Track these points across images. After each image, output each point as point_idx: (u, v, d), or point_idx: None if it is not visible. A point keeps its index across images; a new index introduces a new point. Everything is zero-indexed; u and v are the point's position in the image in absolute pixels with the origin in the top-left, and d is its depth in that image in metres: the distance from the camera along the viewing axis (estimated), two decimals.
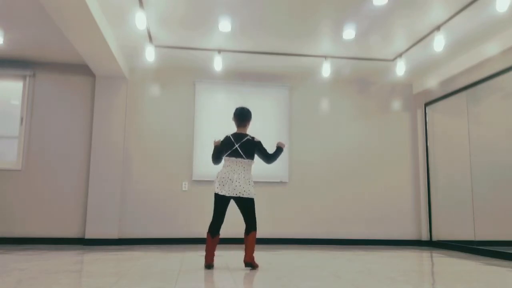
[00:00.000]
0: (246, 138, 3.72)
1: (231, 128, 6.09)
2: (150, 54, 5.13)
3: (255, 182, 6.04)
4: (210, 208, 5.91)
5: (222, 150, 3.75)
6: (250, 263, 3.66)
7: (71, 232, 5.70)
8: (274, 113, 6.28)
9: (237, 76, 6.26)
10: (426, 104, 6.41)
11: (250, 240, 3.67)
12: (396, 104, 6.58)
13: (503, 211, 4.89)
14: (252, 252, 3.68)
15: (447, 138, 6.02)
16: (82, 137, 5.89)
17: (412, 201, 6.39)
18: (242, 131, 3.81)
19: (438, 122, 6.23)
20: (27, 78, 5.87)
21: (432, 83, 6.07)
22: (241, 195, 3.60)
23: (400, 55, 5.46)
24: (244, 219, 3.72)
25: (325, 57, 5.55)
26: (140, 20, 4.19)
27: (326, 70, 5.60)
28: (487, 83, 5.09)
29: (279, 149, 3.87)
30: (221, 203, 3.66)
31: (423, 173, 6.39)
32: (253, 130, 6.17)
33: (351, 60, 5.70)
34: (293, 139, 6.29)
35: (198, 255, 4.61)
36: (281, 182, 6.16)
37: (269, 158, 3.80)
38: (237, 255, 4.69)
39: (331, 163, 6.33)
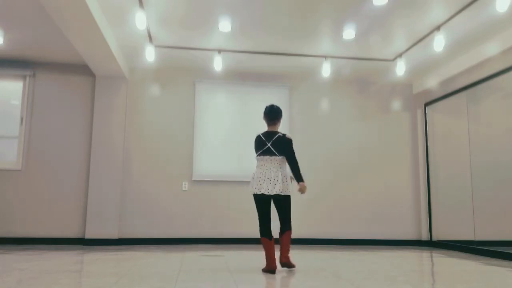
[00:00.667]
0: (277, 136, 3.67)
1: (231, 128, 6.12)
2: (150, 54, 5.13)
3: None
4: (210, 208, 5.97)
5: (255, 149, 3.74)
6: (286, 264, 3.56)
7: (71, 232, 5.70)
8: None
9: (237, 76, 6.26)
10: (426, 104, 6.41)
11: (285, 240, 3.57)
12: (396, 104, 6.58)
13: (503, 211, 4.89)
14: (287, 252, 3.58)
15: (447, 138, 6.02)
16: (82, 137, 5.89)
17: (412, 201, 6.39)
18: (273, 129, 3.77)
19: (438, 122, 6.23)
20: (27, 78, 5.87)
21: (432, 83, 6.07)
22: (280, 193, 3.53)
23: (400, 55, 5.47)
24: (279, 217, 3.63)
25: (325, 57, 5.56)
26: (140, 20, 4.19)
27: (326, 70, 5.60)
28: (487, 83, 5.10)
29: (298, 178, 3.67)
30: (263, 203, 3.61)
31: (423, 173, 6.39)
32: (253, 130, 6.20)
33: (351, 60, 5.70)
34: (293, 139, 6.27)
35: (198, 255, 4.61)
36: None
37: (292, 162, 3.67)
38: (237, 255, 4.69)
39: (331, 163, 6.33)
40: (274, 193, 3.52)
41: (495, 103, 5.22)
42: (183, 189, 5.96)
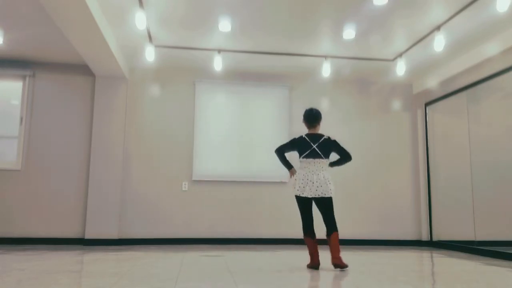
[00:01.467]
0: (323, 138, 3.79)
1: (231, 128, 6.11)
2: (150, 54, 5.12)
3: (255, 182, 6.11)
4: (210, 208, 5.97)
5: (290, 150, 3.86)
6: (339, 265, 3.59)
7: (71, 232, 5.70)
8: (274, 113, 6.28)
9: (237, 76, 6.26)
10: (426, 104, 6.41)
11: (333, 241, 3.65)
12: (396, 104, 6.58)
13: (503, 211, 4.89)
14: (338, 252, 3.62)
15: (447, 138, 6.02)
16: (82, 137, 5.88)
17: (412, 201, 6.38)
18: (315, 131, 3.88)
19: (438, 122, 6.23)
20: (27, 78, 5.87)
21: (432, 83, 6.06)
22: (323, 195, 3.65)
23: (400, 55, 5.46)
24: (324, 220, 3.74)
25: (325, 57, 5.55)
26: (140, 20, 4.19)
27: (326, 70, 5.60)
28: (487, 83, 5.09)
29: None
30: (305, 205, 3.75)
31: (423, 173, 6.39)
32: (253, 130, 6.20)
33: (351, 60, 5.70)
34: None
35: (198, 255, 4.61)
36: (281, 182, 6.16)
37: (346, 156, 3.85)
38: (237, 255, 4.69)
39: None
40: (317, 195, 3.66)
41: (495, 103, 5.22)
42: (183, 189, 5.96)
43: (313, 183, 3.66)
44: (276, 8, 4.31)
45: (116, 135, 5.83)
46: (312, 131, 3.87)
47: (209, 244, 5.82)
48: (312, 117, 3.88)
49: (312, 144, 3.74)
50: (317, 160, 3.70)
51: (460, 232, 5.59)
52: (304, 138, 3.81)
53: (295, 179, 3.78)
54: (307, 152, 3.73)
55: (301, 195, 3.70)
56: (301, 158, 3.77)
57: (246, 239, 5.96)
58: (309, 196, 3.67)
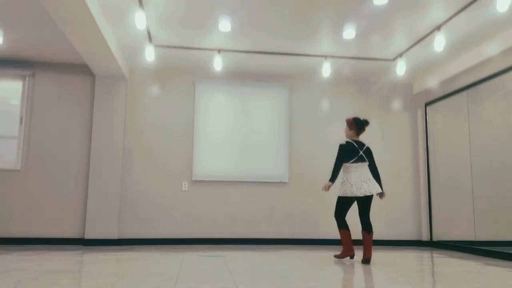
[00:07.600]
0: (366, 146, 4.38)
1: (231, 128, 6.11)
2: (150, 54, 5.12)
3: (255, 182, 6.11)
4: (210, 208, 5.96)
5: (345, 157, 4.29)
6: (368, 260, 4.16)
7: (71, 232, 5.70)
8: (274, 113, 6.28)
9: (237, 76, 6.26)
10: (427, 104, 6.41)
11: (369, 238, 4.20)
12: (397, 104, 6.58)
13: (503, 211, 4.88)
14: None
15: (448, 138, 6.02)
16: (82, 137, 5.88)
17: (412, 201, 6.38)
18: (358, 139, 4.42)
19: (439, 122, 6.23)
20: (27, 78, 5.87)
21: (433, 83, 6.06)
22: (376, 192, 4.23)
23: (400, 55, 5.46)
24: (362, 217, 4.26)
25: (325, 57, 5.55)
26: (140, 20, 4.19)
27: (326, 70, 5.60)
28: (488, 83, 5.09)
29: (381, 184, 4.38)
30: (351, 203, 4.31)
31: (424, 173, 6.39)
32: (253, 130, 6.20)
33: (351, 60, 5.70)
34: (293, 139, 6.29)
35: (198, 255, 4.61)
36: (281, 182, 6.16)
37: (376, 169, 4.40)
38: (237, 255, 4.69)
39: (331, 163, 6.30)
40: (370, 193, 4.18)
41: (495, 103, 5.21)
42: (183, 189, 5.96)
43: (367, 183, 4.20)
44: (276, 8, 4.31)
45: (116, 135, 5.83)
46: (357, 138, 4.41)
47: (209, 244, 5.82)
48: (365, 125, 4.45)
49: (360, 150, 4.29)
50: (364, 163, 4.29)
51: (460, 232, 5.59)
52: (353, 144, 4.32)
53: (346, 182, 4.24)
54: (356, 157, 4.26)
55: (356, 195, 4.17)
56: (351, 163, 4.26)
57: (246, 239, 5.96)
58: (363, 195, 4.17)
